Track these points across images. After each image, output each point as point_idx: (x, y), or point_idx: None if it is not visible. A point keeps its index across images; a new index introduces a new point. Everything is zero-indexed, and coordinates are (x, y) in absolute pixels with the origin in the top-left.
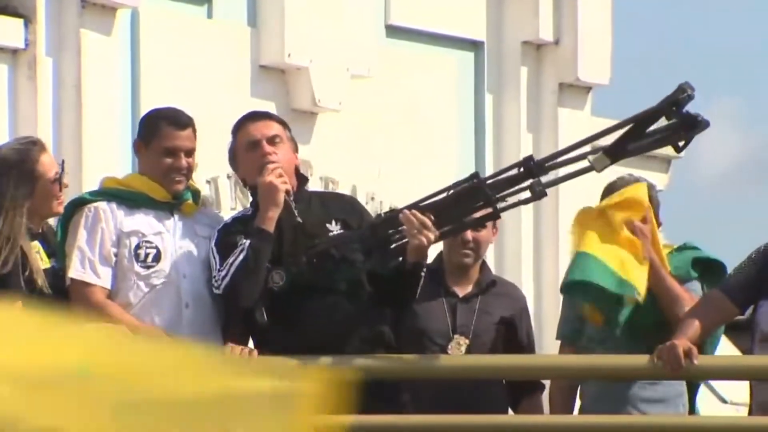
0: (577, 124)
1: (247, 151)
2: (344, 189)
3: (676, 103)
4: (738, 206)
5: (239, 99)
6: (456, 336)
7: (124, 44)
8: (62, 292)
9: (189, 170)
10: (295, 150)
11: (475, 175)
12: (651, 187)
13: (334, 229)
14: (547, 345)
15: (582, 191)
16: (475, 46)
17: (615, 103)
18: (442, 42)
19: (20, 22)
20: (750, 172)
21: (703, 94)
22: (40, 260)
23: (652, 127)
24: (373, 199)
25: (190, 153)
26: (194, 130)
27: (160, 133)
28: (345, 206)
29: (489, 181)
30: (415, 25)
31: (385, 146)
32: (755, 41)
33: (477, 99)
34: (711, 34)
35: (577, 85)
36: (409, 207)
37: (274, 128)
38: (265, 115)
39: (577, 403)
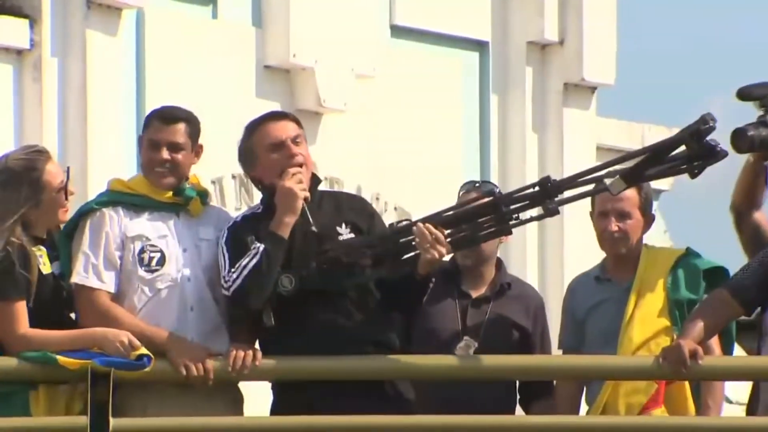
0: (582, 124)
1: (270, 152)
2: (349, 189)
3: (697, 133)
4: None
5: (244, 99)
6: (465, 338)
7: (130, 45)
8: (62, 299)
9: (174, 165)
10: (308, 149)
11: (491, 192)
12: (643, 186)
13: (344, 232)
14: (552, 350)
15: (587, 200)
16: (480, 46)
17: (620, 103)
18: (447, 42)
19: (26, 22)
20: None
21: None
22: (43, 265)
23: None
24: (378, 199)
25: (175, 147)
26: (190, 128)
27: (148, 127)
28: (356, 208)
29: (505, 200)
30: (420, 26)
31: (390, 146)
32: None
33: (482, 99)
34: (715, 33)
35: (582, 85)
36: (423, 220)
37: (295, 128)
38: (284, 116)
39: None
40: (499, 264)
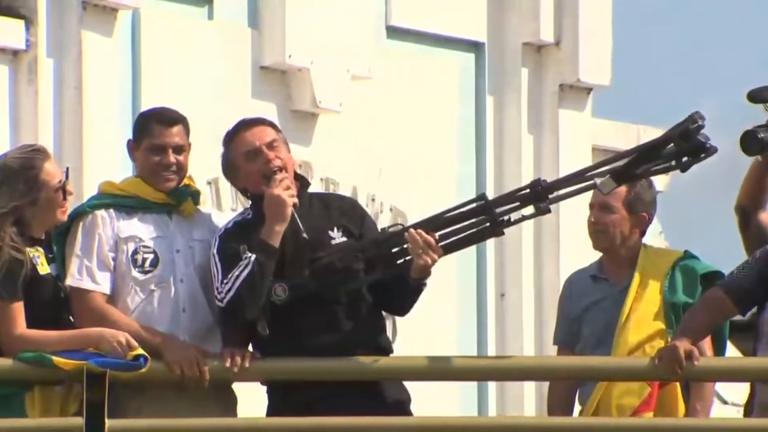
0: (577, 125)
1: (247, 160)
2: (345, 190)
3: (686, 132)
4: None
5: (240, 100)
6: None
7: (125, 45)
8: (60, 299)
9: (180, 167)
10: (288, 152)
11: (482, 196)
12: (649, 186)
13: (336, 236)
14: (549, 352)
15: (584, 198)
16: (475, 47)
17: (615, 104)
18: (443, 43)
19: (21, 23)
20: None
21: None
22: (40, 266)
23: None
24: (373, 200)
25: (179, 150)
26: (186, 128)
27: (149, 132)
28: (346, 210)
29: (496, 204)
30: (415, 26)
31: (385, 147)
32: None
33: (477, 100)
34: (709, 34)
35: (578, 86)
36: (415, 225)
37: (270, 133)
38: (258, 121)
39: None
40: None
